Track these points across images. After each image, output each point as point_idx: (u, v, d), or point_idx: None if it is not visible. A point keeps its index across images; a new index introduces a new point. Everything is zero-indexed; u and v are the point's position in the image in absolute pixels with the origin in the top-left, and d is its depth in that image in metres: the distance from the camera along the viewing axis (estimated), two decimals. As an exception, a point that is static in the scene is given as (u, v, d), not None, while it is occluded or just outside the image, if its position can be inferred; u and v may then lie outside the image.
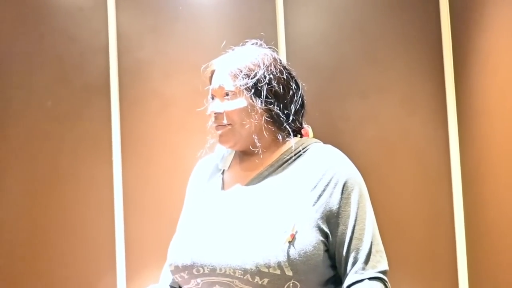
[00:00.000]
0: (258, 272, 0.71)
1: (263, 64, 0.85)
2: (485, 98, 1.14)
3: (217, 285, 0.77)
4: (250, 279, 0.72)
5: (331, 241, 0.79)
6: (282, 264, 0.71)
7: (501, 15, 1.05)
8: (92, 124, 1.39)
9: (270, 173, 0.85)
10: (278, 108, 0.85)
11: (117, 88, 1.39)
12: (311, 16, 1.36)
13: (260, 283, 0.72)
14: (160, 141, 1.38)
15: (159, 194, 1.37)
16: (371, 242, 0.79)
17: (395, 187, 1.30)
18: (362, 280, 0.77)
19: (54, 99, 1.41)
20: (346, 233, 0.78)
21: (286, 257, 0.71)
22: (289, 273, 0.71)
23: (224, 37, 1.34)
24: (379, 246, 0.80)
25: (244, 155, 0.91)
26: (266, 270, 0.71)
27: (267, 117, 0.85)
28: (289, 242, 0.72)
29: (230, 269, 0.74)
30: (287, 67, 0.91)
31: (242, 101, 0.83)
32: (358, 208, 0.80)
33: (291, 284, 0.72)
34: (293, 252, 0.72)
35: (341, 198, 0.79)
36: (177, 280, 0.84)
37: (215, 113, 0.86)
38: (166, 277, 0.95)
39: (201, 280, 0.78)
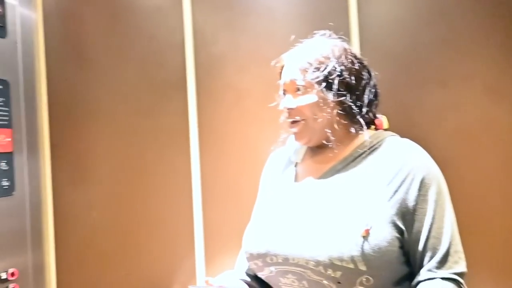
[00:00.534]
0: (331, 264, 0.72)
1: (333, 55, 0.84)
2: None
3: (290, 274, 0.79)
4: (323, 271, 0.74)
5: (406, 238, 0.77)
6: (355, 258, 0.71)
7: None
8: (172, 117, 1.47)
9: (343, 167, 0.84)
10: (350, 100, 0.83)
11: (193, 82, 1.46)
12: (386, 1, 1.30)
13: (333, 275, 0.73)
14: (235, 132, 1.42)
15: (235, 183, 1.42)
16: (450, 242, 0.75)
17: (478, 182, 1.21)
18: (434, 278, 0.74)
19: (137, 95, 1.51)
20: (422, 231, 0.76)
21: (360, 251, 0.71)
22: (363, 267, 0.71)
23: (295, 29, 1.35)
24: (458, 247, 0.77)
25: (317, 148, 0.91)
26: (339, 263, 0.72)
27: (340, 110, 0.84)
28: (363, 237, 0.72)
29: (303, 260, 0.76)
30: (358, 56, 0.89)
31: (313, 96, 0.83)
32: (436, 206, 0.76)
33: (364, 279, 0.72)
34: (367, 247, 0.71)
35: (418, 195, 0.76)
36: (252, 268, 0.88)
37: (287, 109, 0.87)
38: (242, 264, 0.99)
39: (275, 268, 0.81)
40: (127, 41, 1.51)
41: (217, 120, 1.43)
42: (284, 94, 0.91)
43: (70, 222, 1.55)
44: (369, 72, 0.90)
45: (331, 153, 0.87)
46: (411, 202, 0.76)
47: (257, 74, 1.38)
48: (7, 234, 1.39)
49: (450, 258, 0.75)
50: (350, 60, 0.86)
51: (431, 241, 0.75)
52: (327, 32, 0.94)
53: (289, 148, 0.99)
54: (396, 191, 0.77)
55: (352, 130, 0.86)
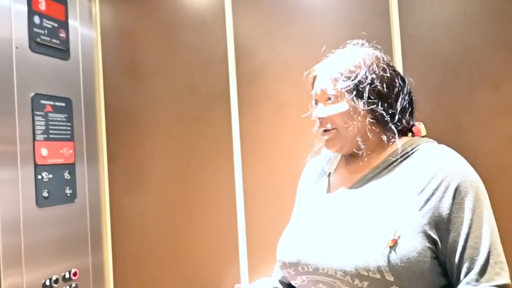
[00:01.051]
0: (357, 274, 0.71)
1: (364, 64, 0.83)
2: None
3: (320, 284, 0.79)
4: (350, 281, 0.73)
5: (441, 249, 0.73)
6: (382, 269, 0.70)
7: None
8: (216, 127, 1.53)
9: (374, 176, 0.83)
10: (382, 108, 0.82)
11: (236, 93, 1.51)
12: (429, 3, 1.25)
13: (360, 285, 0.72)
14: (276, 141, 1.44)
15: (276, 191, 1.44)
16: (489, 252, 0.71)
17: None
18: None
19: (185, 105, 1.59)
20: (458, 241, 0.72)
21: (387, 262, 0.70)
22: (390, 278, 0.70)
23: (335, 37, 1.35)
24: (499, 257, 0.72)
25: (350, 157, 0.90)
26: (366, 274, 0.71)
27: (371, 118, 0.83)
28: (390, 247, 0.70)
29: (331, 270, 0.76)
30: (391, 64, 0.87)
31: (344, 105, 0.83)
32: (473, 214, 0.72)
33: (392, 290, 0.70)
34: (395, 257, 0.70)
35: (452, 203, 0.73)
36: (285, 276, 0.89)
37: (319, 118, 0.88)
38: (277, 271, 1.01)
39: (306, 278, 0.82)
40: (175, 55, 1.60)
41: (258, 128, 1.47)
42: (316, 104, 0.91)
43: (126, 227, 1.67)
44: (403, 79, 0.87)
45: (363, 162, 0.86)
46: (445, 211, 0.73)
47: (296, 83, 1.40)
48: (69, 237, 1.52)
49: (490, 269, 0.70)
50: (382, 68, 0.84)
51: (468, 251, 0.71)
52: (360, 41, 0.93)
53: (323, 158, 0.99)
54: (428, 199, 0.74)
55: (384, 138, 0.84)
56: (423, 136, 0.89)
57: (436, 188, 0.74)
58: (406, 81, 0.88)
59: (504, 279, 0.71)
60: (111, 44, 1.71)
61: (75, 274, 1.52)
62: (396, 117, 0.83)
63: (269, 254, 1.40)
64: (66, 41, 1.57)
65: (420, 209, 0.73)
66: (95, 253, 1.63)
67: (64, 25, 1.57)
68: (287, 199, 1.35)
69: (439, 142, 0.87)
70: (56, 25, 1.53)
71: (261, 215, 1.46)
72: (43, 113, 1.45)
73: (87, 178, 1.61)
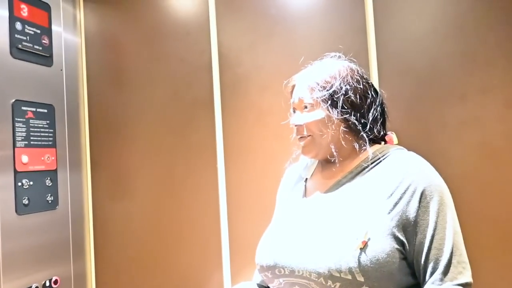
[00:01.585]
0: (330, 276, 0.75)
1: (339, 75, 0.88)
2: None
3: (296, 286, 0.83)
4: (324, 283, 0.77)
5: (408, 250, 0.78)
6: (353, 270, 0.73)
7: None
8: (200, 134, 1.56)
9: (347, 181, 0.87)
10: (355, 118, 0.87)
11: (219, 101, 1.54)
12: (403, 19, 1.32)
13: (333, 286, 0.76)
14: (257, 147, 1.48)
15: (258, 196, 1.47)
16: (452, 253, 0.76)
17: (500, 195, 1.18)
18: None
19: (169, 113, 1.61)
20: (424, 243, 0.77)
21: (357, 263, 0.73)
22: (360, 278, 0.73)
23: (315, 49, 1.40)
24: (461, 257, 0.77)
25: (326, 163, 0.95)
26: (338, 275, 0.74)
27: (344, 127, 0.88)
28: (361, 249, 0.74)
29: (306, 272, 0.79)
30: (365, 77, 0.93)
31: (319, 113, 0.88)
32: (437, 217, 0.77)
33: (363, 290, 0.74)
34: (365, 259, 0.74)
35: (419, 207, 0.77)
36: (263, 279, 0.92)
37: (295, 125, 0.92)
38: (257, 275, 1.04)
39: (283, 280, 0.85)
40: (160, 63, 1.63)
41: (241, 135, 1.50)
42: (294, 112, 0.96)
43: (108, 234, 1.67)
44: (375, 91, 0.92)
45: (337, 168, 0.90)
46: (412, 214, 0.77)
47: (277, 92, 1.44)
48: (51, 245, 1.52)
49: (453, 269, 0.75)
50: (356, 80, 0.89)
51: (433, 252, 0.76)
52: (337, 53, 0.98)
53: (301, 164, 1.03)
54: (396, 203, 0.78)
55: (356, 145, 0.89)
56: (395, 144, 0.94)
57: (404, 192, 0.78)
58: (379, 92, 0.93)
59: (466, 278, 0.75)
60: (95, 51, 1.72)
61: (56, 282, 1.51)
62: (368, 127, 0.88)
63: (252, 259, 1.42)
64: (49, 48, 1.58)
65: (389, 213, 0.78)
66: (77, 260, 1.62)
67: (47, 32, 1.58)
68: (268, 204, 1.39)
69: (411, 149, 0.93)
70: (38, 31, 1.54)
71: (244, 220, 1.49)
72: (24, 120, 1.45)
73: (69, 185, 1.61)
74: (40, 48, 1.54)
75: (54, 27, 1.61)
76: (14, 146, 1.41)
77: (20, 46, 1.46)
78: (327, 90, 0.87)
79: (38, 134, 1.50)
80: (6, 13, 1.43)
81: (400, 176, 0.80)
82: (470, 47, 1.24)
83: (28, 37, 1.50)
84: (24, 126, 1.45)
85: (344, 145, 0.88)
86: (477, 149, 1.22)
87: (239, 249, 1.49)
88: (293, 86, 0.97)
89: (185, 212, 1.57)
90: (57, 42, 1.62)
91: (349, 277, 0.74)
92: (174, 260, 1.58)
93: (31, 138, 1.47)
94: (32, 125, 1.48)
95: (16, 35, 1.45)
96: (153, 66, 1.64)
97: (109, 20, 1.70)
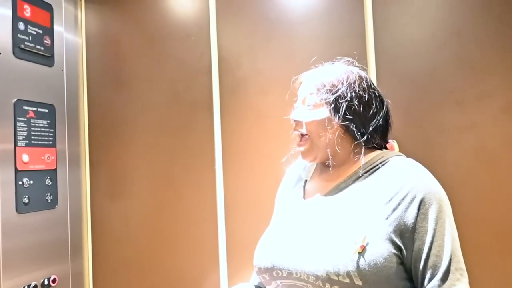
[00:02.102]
0: (328, 279, 0.76)
1: (347, 81, 0.88)
2: None
3: (294, 288, 0.84)
4: (322, 285, 0.78)
5: (406, 256, 0.79)
6: (351, 273, 0.74)
7: None
8: (198, 135, 1.57)
9: (347, 185, 0.88)
10: (354, 125, 0.87)
11: (218, 103, 1.55)
12: (402, 25, 1.33)
13: (331, 289, 0.77)
14: (256, 150, 1.49)
15: (255, 197, 1.48)
16: (450, 260, 0.76)
17: (497, 200, 1.19)
18: None
19: (168, 114, 1.62)
20: (423, 249, 0.77)
21: (356, 267, 0.74)
22: (358, 282, 0.74)
23: (314, 52, 1.41)
24: (459, 264, 0.77)
25: (325, 166, 0.96)
26: (336, 278, 0.75)
27: (342, 132, 0.88)
28: (359, 252, 0.75)
29: (304, 274, 0.80)
30: (372, 86, 0.92)
31: (320, 114, 0.88)
32: (436, 224, 0.78)
33: (360, 294, 0.75)
34: (363, 263, 0.74)
35: (417, 214, 0.78)
36: (261, 281, 0.93)
37: (294, 120, 0.93)
38: (255, 277, 1.05)
39: (281, 282, 0.86)
40: (160, 65, 1.64)
41: (239, 138, 1.51)
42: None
43: (107, 233, 1.68)
44: (381, 103, 0.92)
45: (336, 172, 0.91)
46: (410, 220, 0.78)
47: (276, 95, 1.45)
48: (49, 244, 1.53)
49: (452, 276, 0.75)
50: (363, 89, 0.89)
51: (431, 258, 0.76)
52: (350, 59, 0.98)
53: (300, 165, 1.04)
54: (395, 209, 0.79)
55: (352, 152, 0.89)
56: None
57: (403, 199, 0.79)
58: (385, 104, 0.93)
59: (463, 285, 0.76)
60: (96, 52, 1.73)
61: (54, 280, 1.52)
62: (365, 137, 0.88)
63: (249, 260, 1.43)
64: (50, 48, 1.59)
65: (387, 218, 0.79)
66: (75, 259, 1.63)
67: (49, 32, 1.59)
68: (266, 205, 1.40)
69: (409, 154, 0.94)
70: (41, 31, 1.55)
71: (241, 222, 1.50)
72: (25, 119, 1.46)
73: (68, 185, 1.62)
74: (42, 48, 1.55)
75: (56, 28, 1.62)
76: (15, 145, 1.42)
77: (22, 46, 1.47)
78: (333, 94, 0.88)
79: (39, 133, 1.51)
80: (9, 13, 1.44)
81: (400, 182, 0.81)
82: (467, 53, 1.25)
83: (30, 37, 1.51)
84: (25, 125, 1.46)
85: (339, 150, 0.89)
86: (474, 154, 1.24)
87: (236, 250, 1.50)
88: (301, 83, 0.97)
89: (182, 212, 1.58)
90: (59, 43, 1.63)
91: (347, 280, 0.75)
92: (171, 260, 1.59)
93: (32, 137, 1.48)
94: (33, 124, 1.49)
95: (19, 35, 1.46)
96: (153, 67, 1.65)
97: (110, 21, 1.71)
